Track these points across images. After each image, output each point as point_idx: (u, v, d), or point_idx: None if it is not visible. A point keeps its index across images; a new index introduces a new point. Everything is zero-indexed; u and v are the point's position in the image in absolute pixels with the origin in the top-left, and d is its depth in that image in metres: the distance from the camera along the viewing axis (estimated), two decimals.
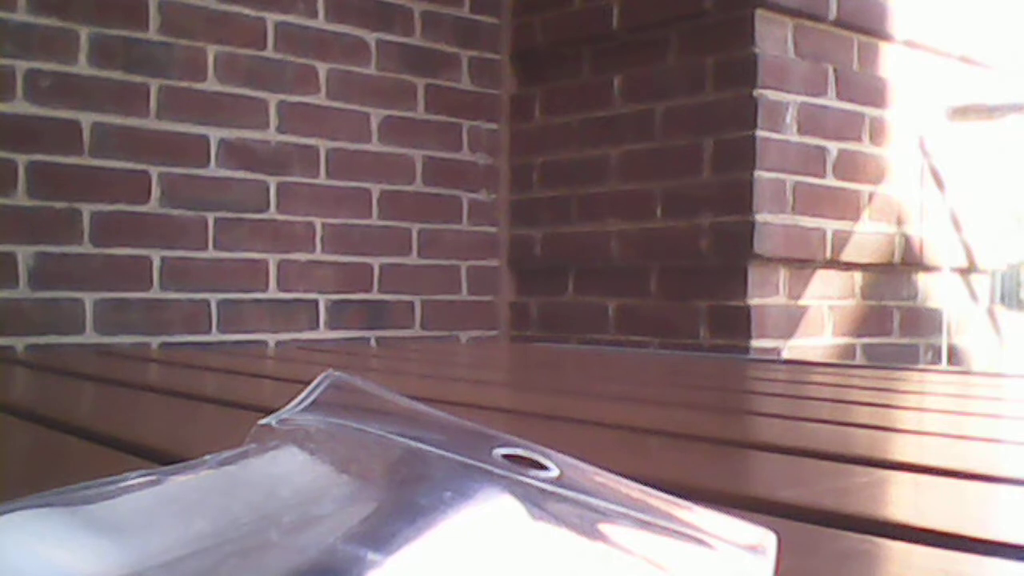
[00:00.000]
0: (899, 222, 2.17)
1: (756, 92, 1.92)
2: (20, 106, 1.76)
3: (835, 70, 2.06)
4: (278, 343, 2.06)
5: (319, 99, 2.11)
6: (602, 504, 0.29)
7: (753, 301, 1.95)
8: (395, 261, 2.23)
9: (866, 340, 2.15)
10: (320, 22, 2.11)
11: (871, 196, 2.11)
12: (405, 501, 0.26)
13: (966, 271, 2.38)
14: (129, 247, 1.87)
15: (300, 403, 0.32)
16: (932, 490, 0.63)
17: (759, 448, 0.80)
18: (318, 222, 2.11)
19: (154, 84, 1.89)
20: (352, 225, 2.16)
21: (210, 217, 1.96)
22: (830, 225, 2.04)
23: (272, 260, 2.05)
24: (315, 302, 2.11)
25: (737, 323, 1.96)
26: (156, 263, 1.90)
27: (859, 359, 2.13)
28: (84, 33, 1.81)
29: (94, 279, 1.83)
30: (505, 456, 0.30)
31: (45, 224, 1.78)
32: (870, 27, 2.13)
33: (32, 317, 1.77)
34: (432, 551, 0.24)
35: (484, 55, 2.37)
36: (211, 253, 1.96)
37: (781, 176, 1.96)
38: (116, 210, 1.85)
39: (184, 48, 1.93)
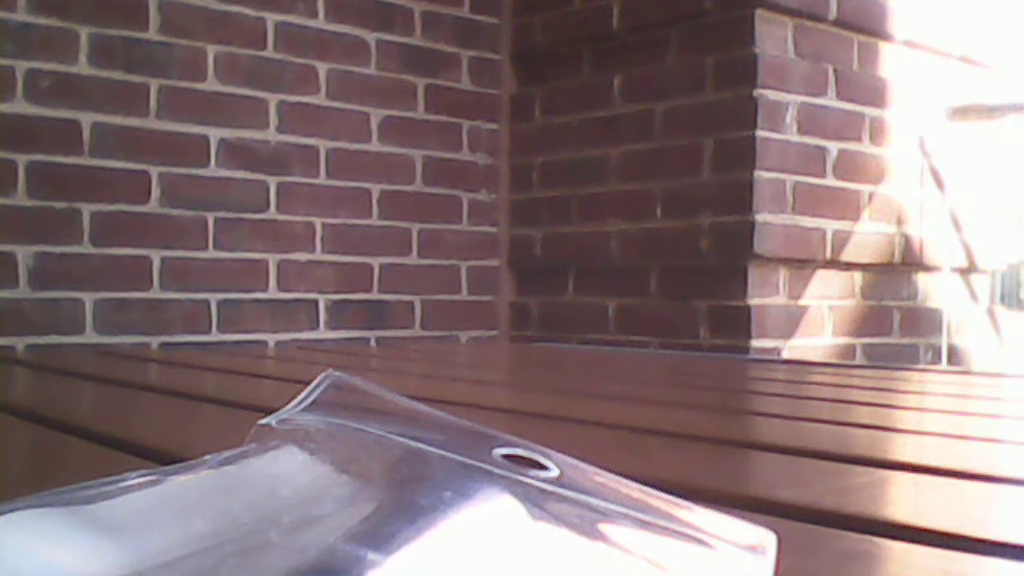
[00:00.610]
0: (899, 222, 2.17)
1: (756, 92, 1.92)
2: (20, 106, 1.76)
3: (835, 70, 2.06)
4: (278, 343, 2.06)
5: (319, 99, 2.11)
6: (602, 504, 0.29)
7: (753, 301, 1.95)
8: (395, 261, 2.23)
9: (866, 340, 2.15)
10: (320, 22, 2.11)
11: (871, 196, 2.11)
12: (405, 501, 0.26)
13: (966, 271, 2.38)
14: (129, 247, 1.87)
15: (300, 403, 0.32)
16: (932, 490, 0.63)
17: (759, 448, 0.80)
18: (318, 222, 2.11)
19: (154, 84, 1.89)
20: (352, 225, 2.16)
21: (210, 217, 1.96)
22: (830, 225, 2.04)
23: (272, 260, 2.05)
24: (315, 302, 2.11)
25: (737, 323, 1.96)
26: (156, 263, 1.90)
27: (859, 359, 2.13)
28: (84, 33, 1.81)
29: (94, 279, 1.83)
30: (505, 456, 0.30)
31: (45, 224, 1.78)
32: (870, 27, 2.13)
33: (32, 317, 1.77)
34: (432, 551, 0.24)
35: (484, 55, 2.38)
36: (211, 253, 1.96)
37: (781, 176, 1.96)
38: (116, 210, 1.85)
39: (184, 48, 1.93)
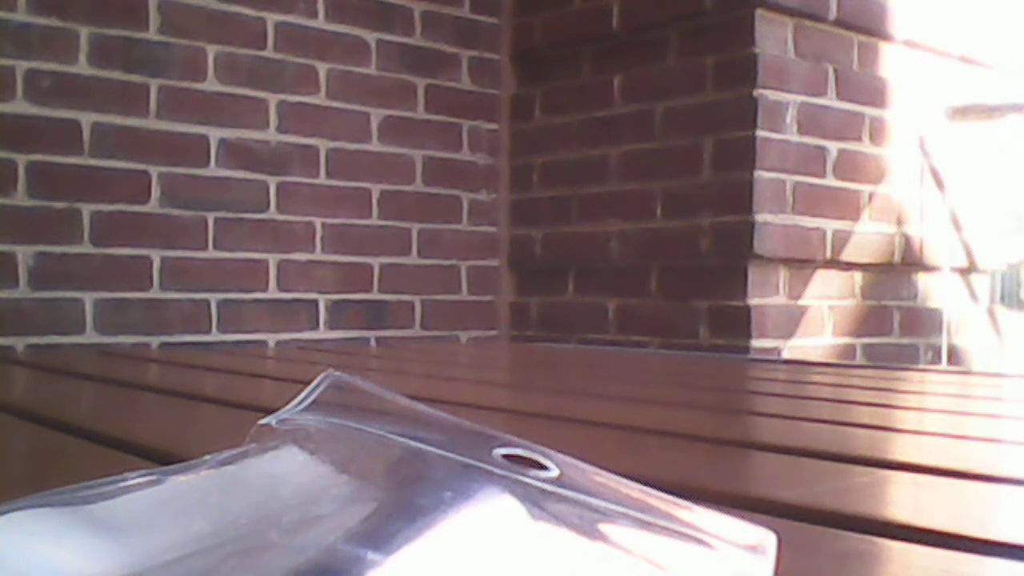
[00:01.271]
0: (899, 222, 2.17)
1: (756, 92, 1.92)
2: (20, 106, 1.76)
3: (835, 70, 2.06)
4: (278, 343, 2.06)
5: (319, 99, 2.11)
6: (602, 504, 0.29)
7: (753, 301, 1.95)
8: (395, 261, 2.23)
9: (866, 340, 2.15)
10: (320, 22, 2.11)
11: (871, 196, 2.11)
12: (405, 501, 0.26)
13: (966, 271, 2.38)
14: (129, 247, 1.87)
15: (300, 403, 0.32)
16: (932, 490, 0.63)
17: (759, 448, 0.80)
18: (318, 222, 2.11)
19: (154, 84, 1.89)
20: (352, 225, 2.16)
21: (210, 217, 1.96)
22: (830, 225, 2.04)
23: (272, 260, 2.05)
24: (315, 302, 2.11)
25: (737, 323, 1.96)
26: (156, 263, 1.90)
27: (859, 359, 2.13)
28: (84, 33, 1.81)
29: (94, 279, 1.83)
30: (505, 456, 0.30)
31: (45, 224, 1.78)
32: (870, 27, 2.13)
33: (32, 317, 1.77)
34: (432, 551, 0.24)
35: (484, 55, 2.38)
36: (211, 253, 1.96)
37: (781, 176, 1.96)
38: (116, 210, 1.85)
39: (184, 48, 1.93)
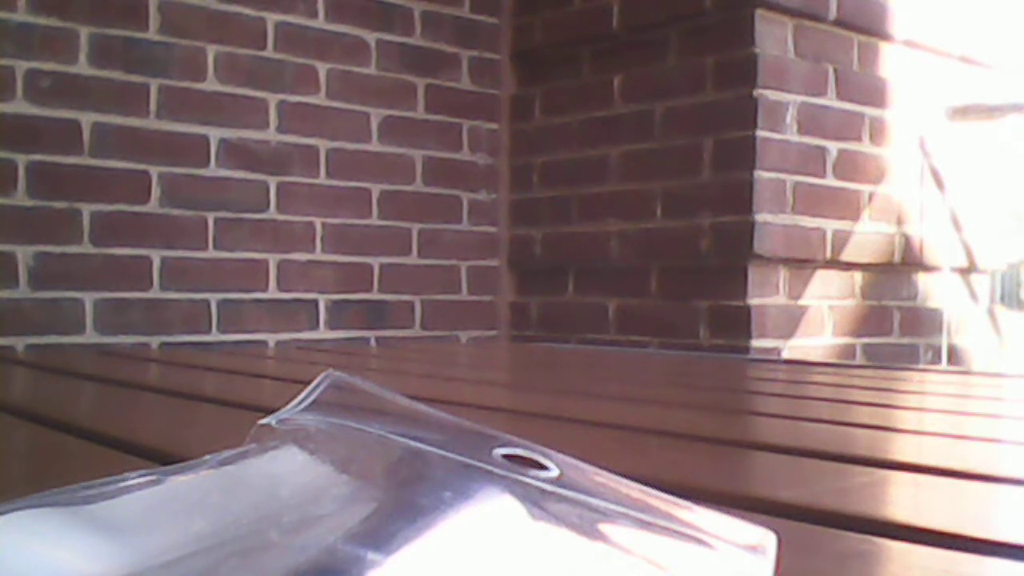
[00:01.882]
0: (899, 222, 2.17)
1: (756, 92, 1.92)
2: (20, 106, 1.76)
3: (835, 70, 2.06)
4: (278, 343, 2.06)
5: (319, 99, 2.11)
6: (602, 504, 0.29)
7: (753, 301, 1.95)
8: (395, 261, 2.23)
9: (866, 340, 2.15)
10: (320, 22, 2.11)
11: (871, 196, 2.11)
12: (405, 501, 0.26)
13: (966, 271, 2.38)
14: (129, 247, 1.87)
15: (300, 403, 0.32)
16: (932, 490, 0.63)
17: (759, 448, 0.80)
18: (318, 222, 2.11)
19: (154, 84, 1.89)
20: (352, 225, 2.16)
21: (210, 217, 1.96)
22: (830, 225, 2.04)
23: (272, 260, 2.05)
24: (315, 302, 2.11)
25: (737, 323, 1.96)
26: (156, 263, 1.90)
27: (859, 359, 2.13)
28: (84, 33, 1.81)
29: (94, 279, 1.83)
30: (505, 456, 0.30)
31: (45, 224, 1.78)
32: (870, 27, 2.13)
33: (32, 317, 1.77)
34: (432, 551, 0.24)
35: (484, 55, 2.38)
36: (211, 253, 1.96)
37: (781, 176, 1.96)
38: (116, 210, 1.85)
39: (184, 48, 1.93)
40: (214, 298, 1.97)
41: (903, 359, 2.21)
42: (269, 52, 2.04)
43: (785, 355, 1.98)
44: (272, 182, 2.04)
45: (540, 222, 2.33)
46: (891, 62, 2.18)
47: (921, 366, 2.18)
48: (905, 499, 0.63)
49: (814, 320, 2.05)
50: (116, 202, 1.85)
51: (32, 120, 1.77)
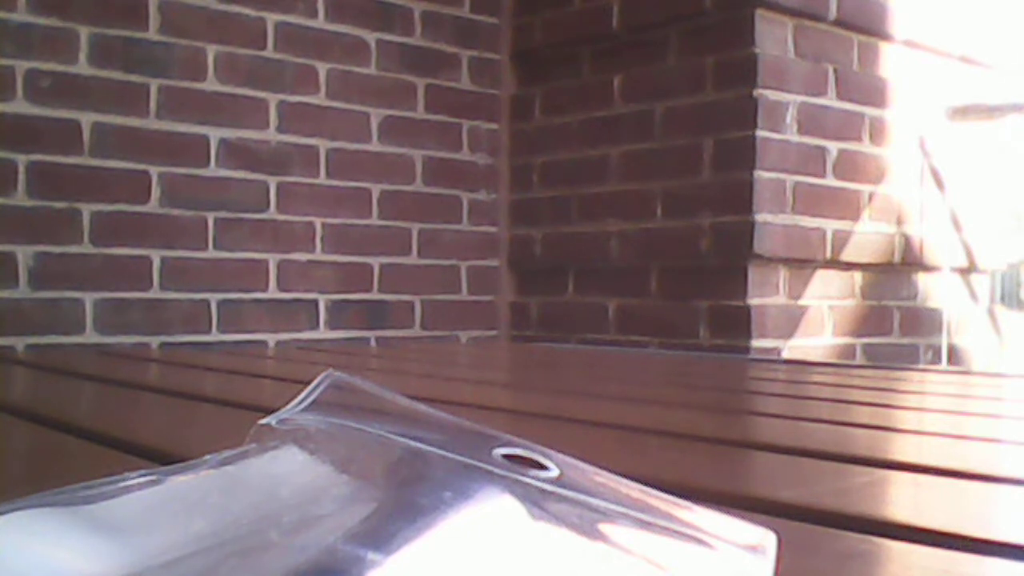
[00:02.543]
0: (899, 222, 2.17)
1: (756, 92, 1.92)
2: (20, 106, 1.76)
3: (835, 70, 2.06)
4: (278, 343, 2.06)
5: (319, 99, 2.11)
6: (602, 504, 0.29)
7: (753, 301, 1.95)
8: (395, 261, 2.23)
9: (866, 340, 2.15)
10: (320, 22, 2.11)
11: (871, 196, 2.11)
12: (405, 501, 0.26)
13: (966, 271, 2.38)
14: (129, 247, 1.87)
15: (300, 403, 0.32)
16: (932, 490, 0.63)
17: (759, 448, 0.80)
18: (318, 222, 2.11)
19: (154, 84, 1.89)
20: (352, 225, 2.16)
21: (210, 217, 1.96)
22: (830, 225, 2.04)
23: (272, 260, 2.05)
24: (315, 302, 2.11)
25: (737, 323, 1.96)
26: (156, 263, 1.90)
27: (859, 359, 2.13)
28: (84, 33, 1.81)
29: (94, 279, 1.83)
30: (505, 456, 0.30)
31: (45, 224, 1.78)
32: (870, 27, 2.13)
33: (32, 317, 1.77)
34: (432, 551, 0.24)
35: (484, 55, 2.37)
36: (211, 253, 1.96)
37: (781, 176, 1.96)
38: (116, 210, 1.85)
39: (184, 48, 1.93)
40: (214, 298, 1.97)
41: (903, 359, 2.21)
42: (269, 52, 2.04)
43: (785, 355, 1.98)
44: (272, 182, 2.05)
45: (540, 222, 2.33)
46: (891, 62, 2.18)
47: (921, 366, 2.18)
48: (905, 499, 0.63)
49: (814, 320, 2.05)
50: (116, 202, 1.85)
51: (32, 120, 1.77)
